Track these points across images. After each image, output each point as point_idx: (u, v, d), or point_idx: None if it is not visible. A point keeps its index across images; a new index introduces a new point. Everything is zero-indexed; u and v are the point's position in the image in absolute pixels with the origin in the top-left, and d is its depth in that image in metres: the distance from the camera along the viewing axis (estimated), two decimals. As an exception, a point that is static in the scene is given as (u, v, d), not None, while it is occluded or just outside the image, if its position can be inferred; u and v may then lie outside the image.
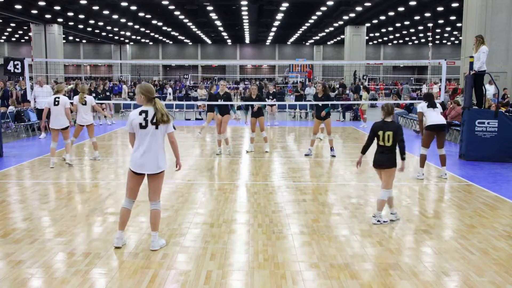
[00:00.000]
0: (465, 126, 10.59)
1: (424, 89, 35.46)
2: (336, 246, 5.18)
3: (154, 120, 4.87)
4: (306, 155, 10.97)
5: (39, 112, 14.34)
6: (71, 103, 10.09)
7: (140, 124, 4.89)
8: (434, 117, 8.39)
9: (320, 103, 10.79)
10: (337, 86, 35.39)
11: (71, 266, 4.61)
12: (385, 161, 6.00)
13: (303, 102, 20.85)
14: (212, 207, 6.70)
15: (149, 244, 5.18)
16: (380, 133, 5.98)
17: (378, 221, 5.94)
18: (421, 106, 8.61)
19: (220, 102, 10.93)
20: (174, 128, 5.14)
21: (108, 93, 20.42)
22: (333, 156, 10.85)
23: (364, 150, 6.20)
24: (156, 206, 5.09)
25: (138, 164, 4.94)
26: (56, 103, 9.45)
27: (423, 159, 8.65)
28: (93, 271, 4.51)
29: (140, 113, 4.90)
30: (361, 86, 25.20)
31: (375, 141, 6.11)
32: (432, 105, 8.42)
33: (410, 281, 4.33)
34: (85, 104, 10.10)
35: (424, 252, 5.09)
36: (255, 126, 11.55)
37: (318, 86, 11.09)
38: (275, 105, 18.79)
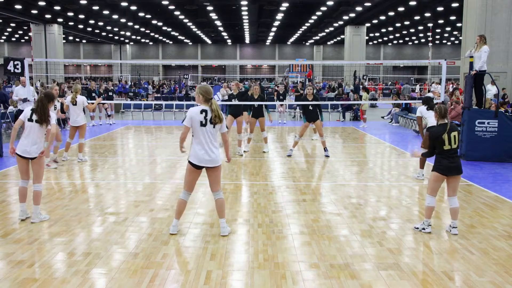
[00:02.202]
0: (465, 126, 10.59)
1: (418, 89, 35.54)
2: (336, 246, 5.18)
3: (212, 120, 5.32)
4: (288, 156, 10.93)
5: (18, 113, 13.49)
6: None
7: (201, 122, 5.30)
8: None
9: (309, 103, 10.74)
10: (337, 86, 35.44)
11: (71, 266, 4.61)
12: (460, 166, 5.63)
13: (302, 102, 20.86)
14: (212, 207, 6.68)
15: (150, 243, 5.20)
16: (445, 137, 5.56)
17: (454, 230, 5.68)
18: (420, 110, 8.61)
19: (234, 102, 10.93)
20: (227, 127, 5.55)
21: (110, 93, 20.41)
22: (327, 156, 10.84)
23: (425, 156, 5.89)
24: (219, 195, 5.55)
25: (199, 159, 5.34)
26: (75, 102, 10.07)
27: (423, 160, 8.64)
28: (93, 271, 4.51)
29: (201, 112, 5.32)
30: (361, 87, 25.21)
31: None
32: (431, 108, 8.42)
33: (410, 281, 4.33)
34: (76, 104, 10.06)
35: (424, 252, 5.09)
36: (254, 126, 11.54)
37: (309, 91, 10.92)
38: (284, 104, 19.86)
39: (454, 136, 5.63)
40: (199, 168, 5.42)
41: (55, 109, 9.57)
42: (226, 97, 12.15)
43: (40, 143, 6.02)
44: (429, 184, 5.80)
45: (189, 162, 5.41)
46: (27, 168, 6.08)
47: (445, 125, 5.69)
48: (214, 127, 5.36)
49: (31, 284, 4.22)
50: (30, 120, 6.00)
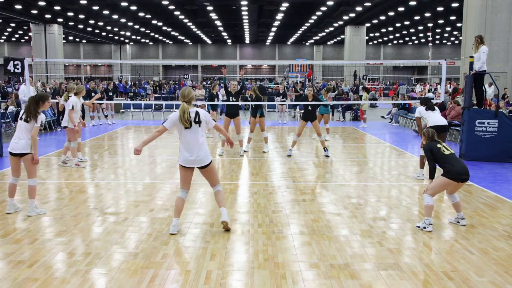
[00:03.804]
0: (465, 126, 10.59)
1: (418, 89, 35.59)
2: (336, 246, 5.18)
3: (197, 120, 5.43)
4: (288, 156, 10.94)
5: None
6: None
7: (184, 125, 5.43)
8: (435, 118, 8.35)
9: (308, 103, 10.76)
10: (336, 86, 35.48)
11: (71, 266, 4.61)
12: (468, 171, 5.74)
13: (302, 102, 20.90)
14: (212, 207, 6.69)
15: (150, 243, 5.21)
16: (440, 145, 5.84)
17: (458, 222, 5.96)
18: (419, 110, 8.56)
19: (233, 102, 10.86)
20: (215, 120, 5.73)
21: (111, 93, 20.40)
22: (327, 156, 10.84)
23: (432, 175, 5.95)
24: (218, 188, 5.69)
25: (185, 160, 5.49)
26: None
27: (423, 160, 8.64)
28: (93, 271, 4.51)
29: None
30: (361, 87, 25.22)
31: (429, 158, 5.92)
32: (430, 108, 8.40)
33: (410, 281, 4.33)
34: None
35: (424, 252, 5.09)
36: (255, 126, 11.55)
37: (309, 92, 10.93)
38: (284, 104, 19.83)
39: (444, 146, 5.92)
40: (188, 168, 5.53)
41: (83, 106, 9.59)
42: (225, 97, 12.22)
43: (26, 140, 6.22)
44: (434, 187, 5.80)
45: (179, 163, 5.59)
46: (17, 166, 6.36)
47: (434, 140, 5.99)
48: (199, 126, 5.45)
49: (31, 284, 4.22)
50: (20, 118, 6.35)
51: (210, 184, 5.74)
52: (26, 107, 6.31)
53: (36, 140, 6.29)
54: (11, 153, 6.29)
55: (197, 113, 5.44)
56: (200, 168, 5.53)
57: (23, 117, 6.30)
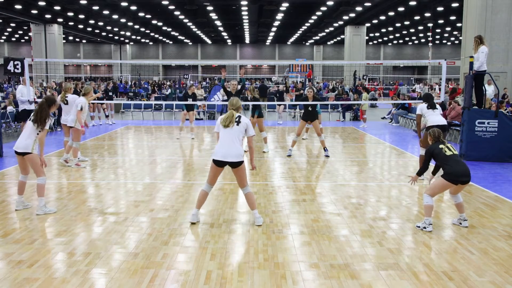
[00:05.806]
0: (465, 126, 10.59)
1: (418, 88, 35.57)
2: (336, 246, 5.18)
3: (236, 120, 5.82)
4: (288, 156, 10.95)
5: (21, 113, 13.33)
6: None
7: (224, 124, 5.86)
8: (435, 117, 8.30)
9: (309, 103, 10.79)
10: (337, 86, 35.46)
11: (71, 266, 4.61)
12: (469, 173, 5.73)
13: (303, 102, 20.88)
14: (212, 207, 6.70)
15: (150, 243, 5.21)
16: (442, 146, 5.84)
17: (461, 223, 5.96)
18: (420, 108, 8.47)
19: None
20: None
21: (111, 93, 20.38)
22: (327, 156, 10.84)
23: (421, 173, 6.11)
24: (247, 190, 5.94)
25: (217, 154, 5.81)
26: (65, 102, 10.14)
27: (423, 159, 8.61)
28: (93, 271, 4.51)
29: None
30: (361, 88, 25.23)
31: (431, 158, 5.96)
32: (431, 106, 8.34)
33: (410, 281, 4.33)
34: (67, 103, 10.06)
35: (424, 252, 5.09)
36: (254, 126, 11.55)
37: (309, 93, 10.98)
38: (283, 104, 19.94)
39: (448, 146, 5.88)
40: (219, 165, 5.80)
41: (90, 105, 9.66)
42: (226, 97, 12.25)
43: (29, 141, 6.33)
44: (433, 188, 5.80)
45: (212, 159, 5.84)
46: (22, 164, 6.50)
47: (439, 140, 5.98)
48: (237, 125, 5.78)
49: (31, 284, 4.22)
50: (29, 118, 6.47)
51: (239, 185, 5.96)
52: (37, 110, 6.41)
53: (43, 143, 6.44)
54: (15, 151, 6.42)
55: (239, 117, 5.86)
56: (232, 167, 5.79)
57: (32, 118, 6.41)
